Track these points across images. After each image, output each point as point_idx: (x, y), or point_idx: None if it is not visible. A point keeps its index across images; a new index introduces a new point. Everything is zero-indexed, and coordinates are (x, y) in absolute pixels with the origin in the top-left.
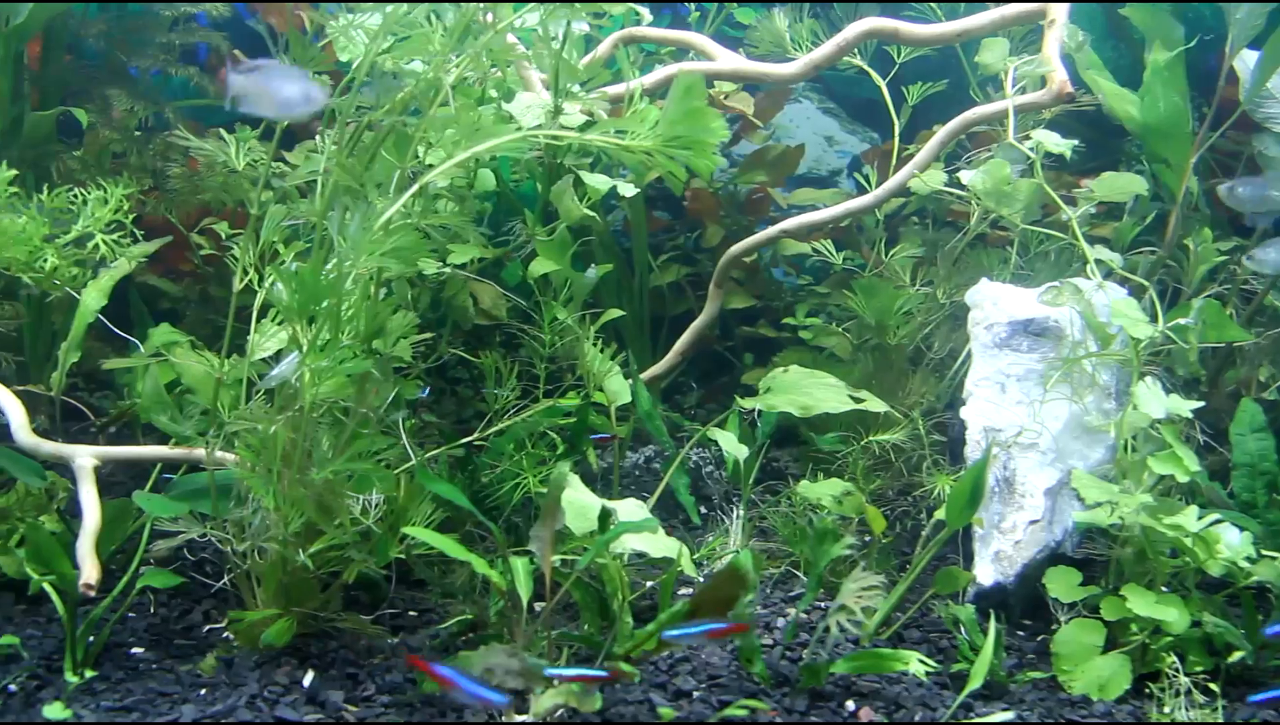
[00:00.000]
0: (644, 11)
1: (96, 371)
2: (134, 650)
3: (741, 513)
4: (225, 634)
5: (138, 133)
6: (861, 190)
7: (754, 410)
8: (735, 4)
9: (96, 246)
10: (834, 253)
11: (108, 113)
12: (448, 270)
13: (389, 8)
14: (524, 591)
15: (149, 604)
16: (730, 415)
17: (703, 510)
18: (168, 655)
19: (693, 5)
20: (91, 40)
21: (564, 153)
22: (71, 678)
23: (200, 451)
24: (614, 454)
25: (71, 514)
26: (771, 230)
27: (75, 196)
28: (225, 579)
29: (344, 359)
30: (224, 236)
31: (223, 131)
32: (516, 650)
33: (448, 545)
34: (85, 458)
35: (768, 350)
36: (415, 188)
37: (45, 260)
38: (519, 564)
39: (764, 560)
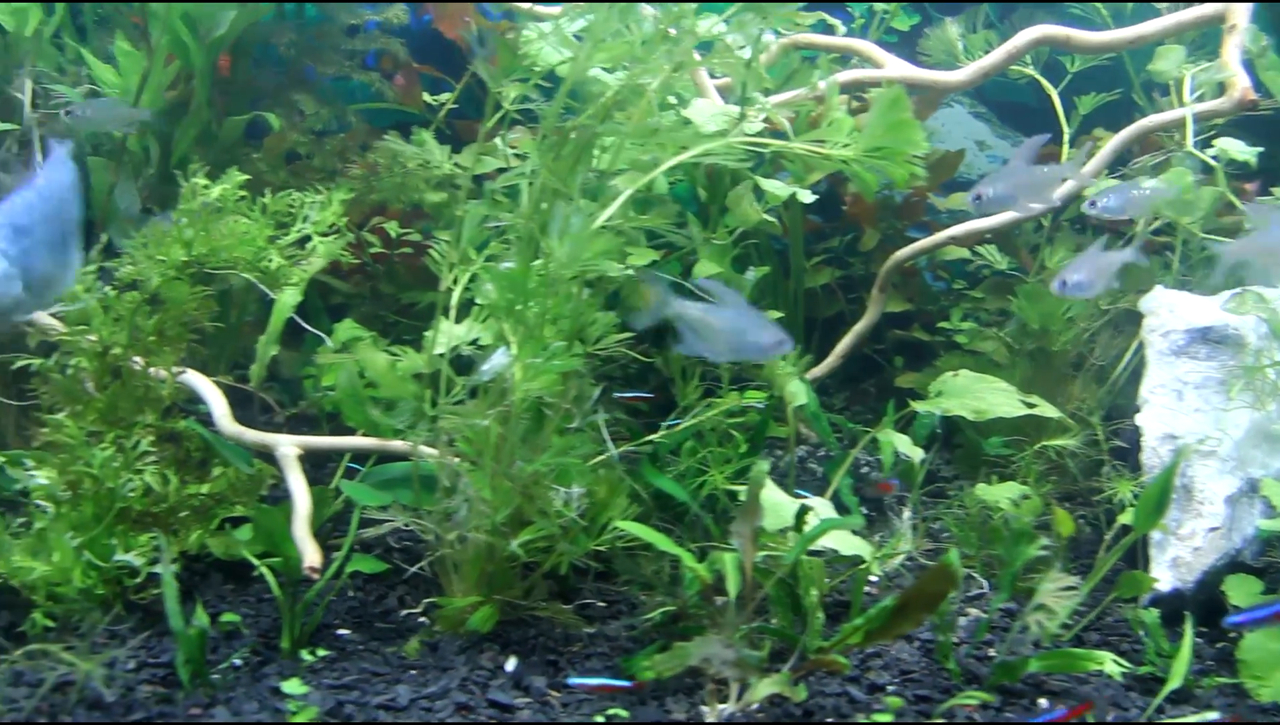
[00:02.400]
0: (837, 22)
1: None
2: (340, 632)
3: (909, 514)
4: (421, 619)
5: (321, 136)
6: None
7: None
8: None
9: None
10: (998, 257)
11: (294, 117)
12: (629, 271)
13: (590, 15)
14: (732, 586)
15: (346, 588)
16: (903, 418)
17: (865, 510)
18: (371, 637)
19: (856, 11)
20: (281, 49)
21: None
22: (307, 656)
23: (397, 443)
24: (790, 453)
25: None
26: (940, 236)
27: (294, 201)
28: (419, 566)
29: (554, 356)
30: (394, 235)
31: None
32: (731, 641)
33: (657, 538)
34: (289, 447)
35: (919, 354)
36: (629, 192)
37: (270, 260)
38: (729, 559)
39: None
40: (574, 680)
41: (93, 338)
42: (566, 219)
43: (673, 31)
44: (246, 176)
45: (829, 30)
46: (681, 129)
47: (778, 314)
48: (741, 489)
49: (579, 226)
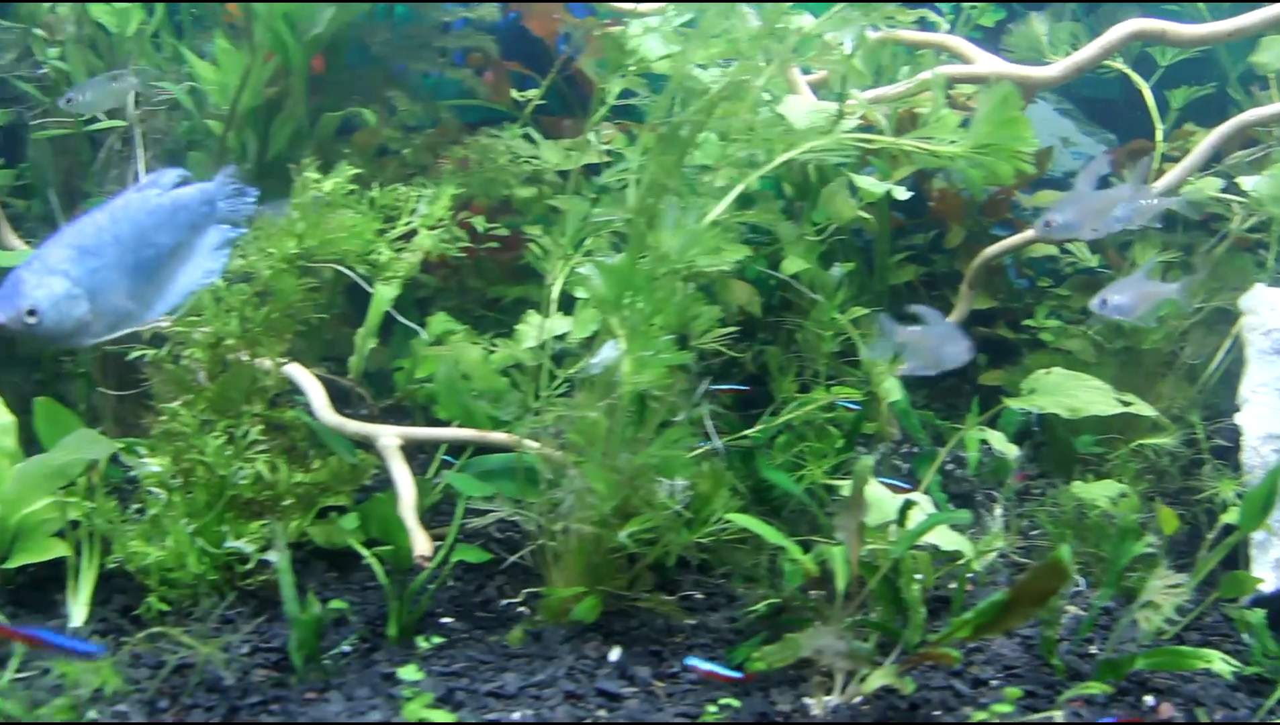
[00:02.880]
0: (940, 19)
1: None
2: (444, 620)
3: (1002, 511)
4: (521, 609)
5: (411, 131)
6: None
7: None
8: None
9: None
10: (1087, 255)
11: (387, 113)
12: (726, 267)
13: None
14: (840, 579)
15: (447, 577)
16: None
17: (951, 507)
18: (475, 626)
19: (944, 8)
20: (374, 47)
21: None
22: (421, 643)
23: (497, 435)
24: (884, 444)
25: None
26: (1030, 233)
27: (400, 195)
28: (519, 556)
29: (662, 349)
30: (481, 230)
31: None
32: (843, 633)
33: (766, 531)
34: (390, 437)
35: (1002, 352)
36: (740, 188)
37: (380, 253)
38: (838, 552)
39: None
40: (690, 661)
41: (206, 329)
42: (676, 214)
43: (776, 27)
44: (357, 170)
45: (928, 27)
46: (782, 127)
47: (863, 311)
48: (839, 483)
49: (691, 222)
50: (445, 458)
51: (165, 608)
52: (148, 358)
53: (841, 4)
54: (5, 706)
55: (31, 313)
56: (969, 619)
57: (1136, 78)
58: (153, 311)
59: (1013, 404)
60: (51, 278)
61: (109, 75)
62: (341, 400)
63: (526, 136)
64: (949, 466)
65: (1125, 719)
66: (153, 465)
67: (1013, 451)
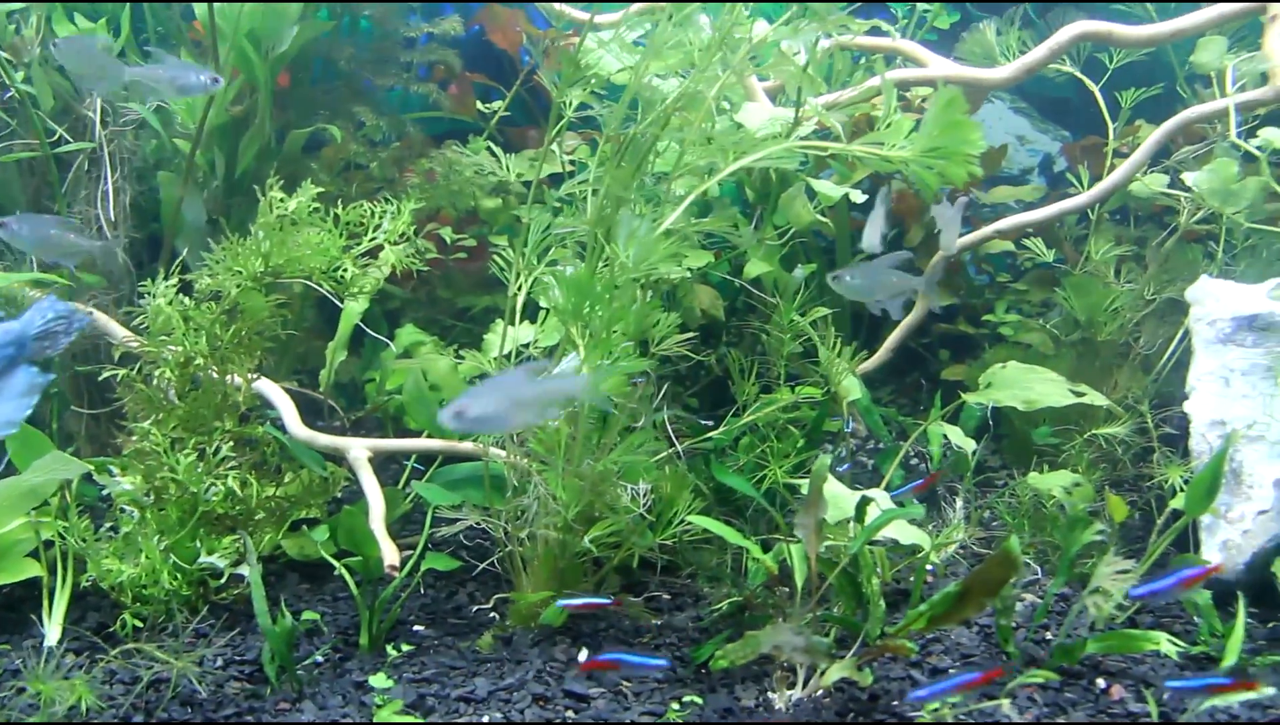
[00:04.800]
0: (890, 27)
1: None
2: (416, 628)
3: (961, 503)
4: (492, 614)
5: (377, 146)
6: (1055, 187)
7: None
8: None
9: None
10: (1044, 250)
11: (353, 128)
12: (688, 273)
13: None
14: (799, 576)
15: (418, 586)
16: (950, 410)
17: (914, 499)
18: (446, 633)
19: (898, 11)
20: (340, 63)
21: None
22: (391, 651)
23: (465, 445)
24: (844, 445)
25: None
26: (986, 230)
27: (364, 211)
28: (488, 563)
29: (621, 358)
30: (449, 241)
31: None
32: (801, 629)
33: (726, 532)
34: (360, 450)
35: (964, 347)
36: (693, 196)
37: (345, 269)
38: (796, 550)
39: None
40: (562, 602)
41: (175, 348)
42: (631, 224)
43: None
44: (320, 190)
45: (879, 33)
46: (737, 134)
47: (825, 311)
48: (800, 483)
49: (645, 231)
50: (415, 467)
51: (139, 624)
52: (119, 377)
53: (794, 11)
54: None
55: None
56: (924, 611)
57: (1084, 79)
58: None
59: (970, 398)
60: None
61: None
62: (313, 413)
63: (491, 148)
64: (913, 461)
65: None
66: (125, 483)
67: (970, 445)
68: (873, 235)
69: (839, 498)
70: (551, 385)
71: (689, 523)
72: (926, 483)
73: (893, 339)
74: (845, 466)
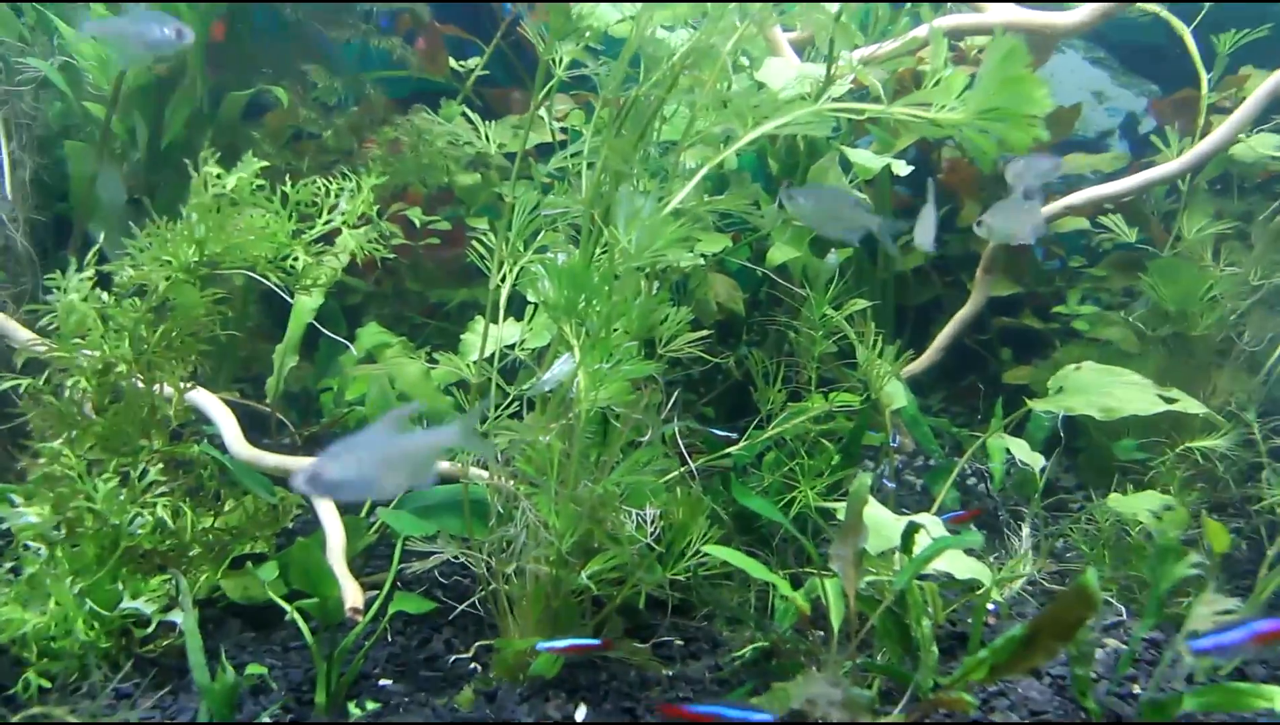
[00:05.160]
0: None
1: (264, 376)
2: (382, 682)
3: (1029, 530)
4: (472, 665)
5: (332, 111)
6: (1139, 153)
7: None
8: None
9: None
10: (1123, 229)
11: (302, 90)
12: (701, 261)
13: None
14: (835, 617)
15: (385, 631)
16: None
17: (972, 527)
18: (418, 688)
19: None
20: (289, 12)
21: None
22: (354, 710)
23: (441, 465)
24: (887, 462)
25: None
26: (1055, 206)
27: (319, 189)
28: (468, 604)
29: (623, 361)
30: (418, 224)
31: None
32: (839, 680)
33: (748, 564)
34: None
35: (1030, 344)
36: (704, 171)
37: (295, 258)
38: (831, 586)
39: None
40: (543, 645)
41: (92, 354)
42: (633, 203)
43: None
44: (264, 164)
45: None
46: (757, 96)
47: (865, 302)
48: (835, 506)
49: (648, 211)
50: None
51: (46, 684)
52: (23, 388)
53: None
54: None
55: None
56: (984, 658)
57: (1175, 20)
58: None
59: (1036, 406)
60: None
61: None
62: (259, 429)
63: (467, 114)
64: (969, 480)
65: None
66: (30, 515)
67: (1037, 462)
68: (924, 233)
69: (882, 524)
70: (421, 440)
71: (705, 554)
72: (967, 516)
73: (944, 336)
74: (891, 485)
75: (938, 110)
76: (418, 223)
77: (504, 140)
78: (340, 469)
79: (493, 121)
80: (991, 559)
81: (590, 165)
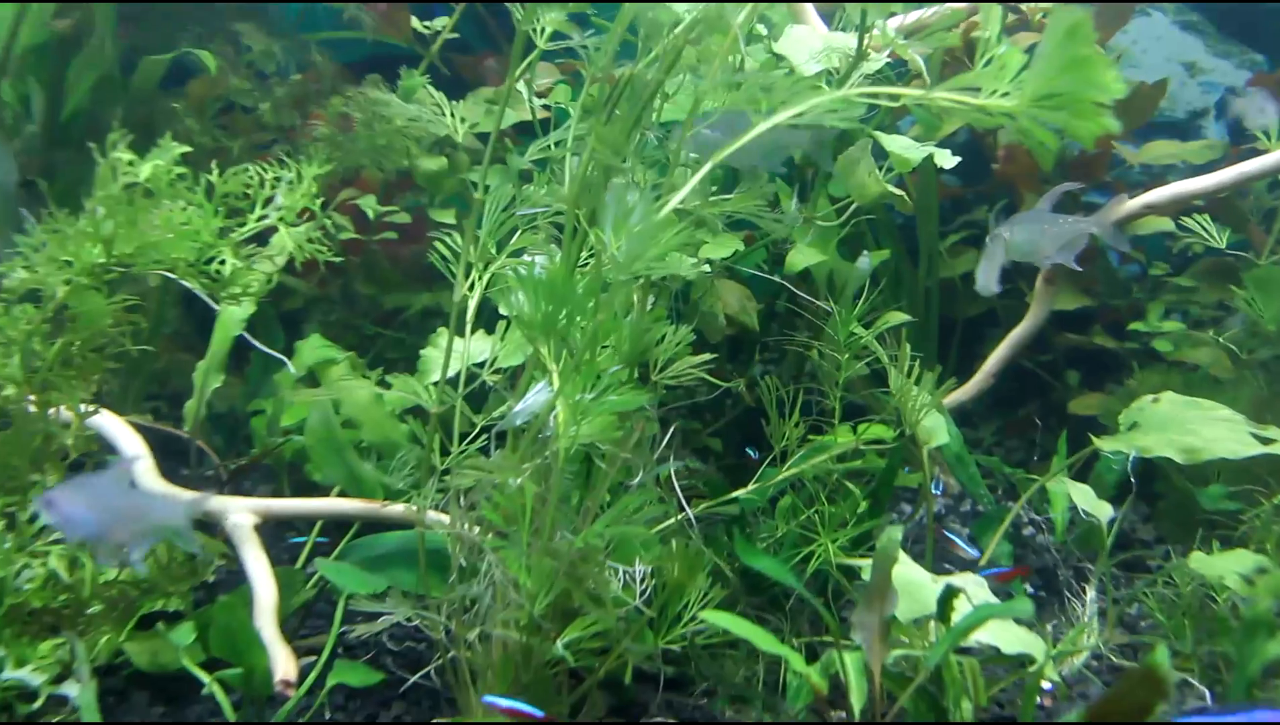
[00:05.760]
0: None
1: (183, 393)
2: None
3: (1095, 593)
4: None
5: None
6: (1238, 140)
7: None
8: None
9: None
10: (1213, 232)
11: (236, 54)
12: (706, 268)
13: None
14: (857, 697)
15: (322, 707)
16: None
17: (1028, 588)
18: None
19: None
20: None
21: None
22: None
23: (392, 508)
24: (926, 509)
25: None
26: (1132, 203)
27: (253, 177)
28: (423, 675)
29: (609, 389)
30: (372, 216)
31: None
32: None
33: (753, 633)
34: (243, 513)
35: (1102, 368)
36: (709, 166)
37: (221, 261)
38: (853, 660)
39: None
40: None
41: None
42: (623, 203)
43: None
44: (185, 149)
45: None
46: (775, 74)
47: (904, 316)
48: (863, 563)
49: (645, 212)
50: (319, 539)
51: None
52: None
53: None
54: None
55: None
56: None
57: None
58: None
59: (1104, 445)
60: None
61: None
62: (177, 459)
63: (430, 89)
64: (1026, 531)
65: None
66: None
67: (1105, 512)
68: (988, 276)
69: (915, 586)
70: (140, 501)
71: (703, 620)
72: (1013, 574)
73: (996, 358)
74: (967, 546)
75: (988, 95)
76: (371, 214)
77: (476, 118)
78: (70, 503)
79: (459, 101)
80: (1049, 628)
81: (576, 154)
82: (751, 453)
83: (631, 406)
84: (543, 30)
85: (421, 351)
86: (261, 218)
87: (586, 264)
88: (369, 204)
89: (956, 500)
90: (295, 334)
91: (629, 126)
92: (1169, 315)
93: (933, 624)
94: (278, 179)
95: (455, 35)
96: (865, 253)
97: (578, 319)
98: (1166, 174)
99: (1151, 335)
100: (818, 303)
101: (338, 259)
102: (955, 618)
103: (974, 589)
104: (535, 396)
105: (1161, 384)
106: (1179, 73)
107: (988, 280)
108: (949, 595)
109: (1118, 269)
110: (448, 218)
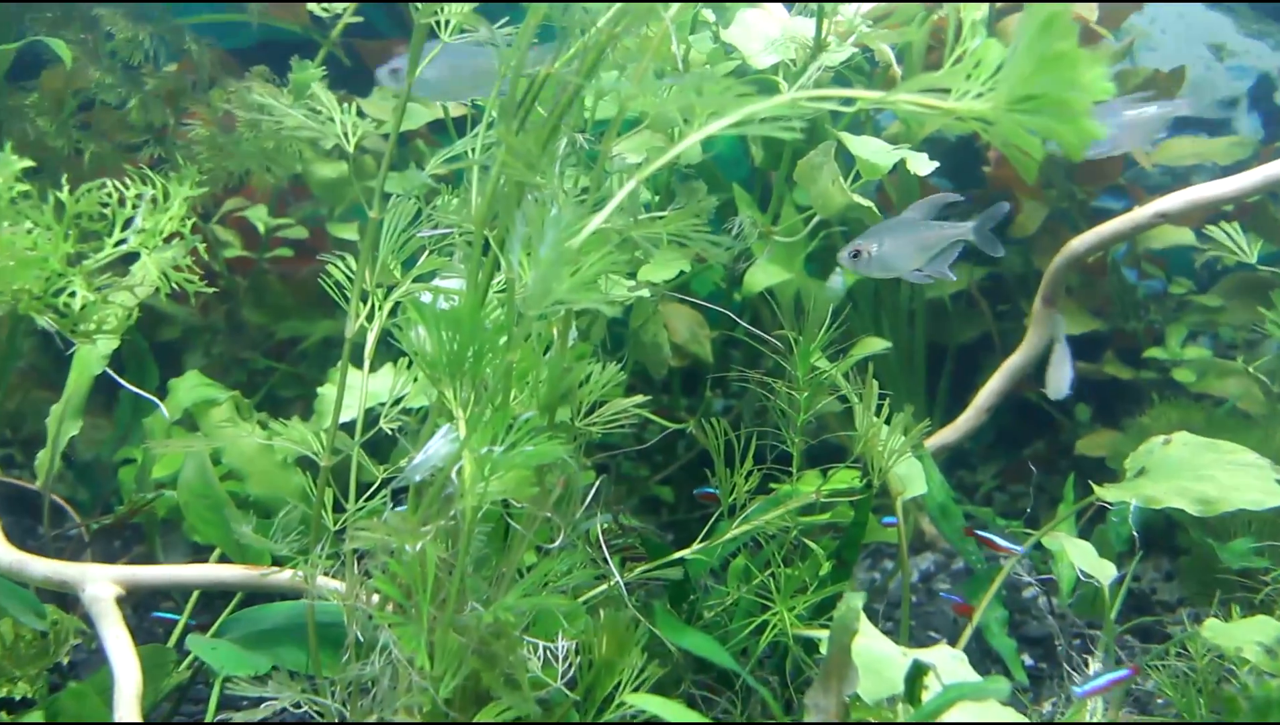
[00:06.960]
0: None
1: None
2: None
3: (1099, 665)
4: None
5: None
6: (1274, 135)
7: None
8: None
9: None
10: (1242, 244)
11: (97, 42)
12: (645, 293)
13: None
14: None
15: None
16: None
17: (1027, 660)
18: None
19: None
20: None
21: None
22: None
23: (280, 575)
24: (902, 570)
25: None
26: (1142, 212)
27: (109, 195)
28: None
29: (524, 438)
30: (262, 231)
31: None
32: None
33: (689, 719)
34: (103, 584)
35: (1116, 400)
36: (632, 184)
37: (71, 293)
38: None
39: None
40: None
41: None
42: (538, 223)
43: None
44: (29, 164)
45: None
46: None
47: (882, 343)
48: (821, 634)
49: (557, 237)
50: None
51: None
52: None
53: None
54: None
55: None
56: None
57: None
58: None
59: (1107, 496)
60: None
61: None
62: (29, 517)
63: (335, 76)
64: (1027, 591)
65: None
66: None
67: (1108, 574)
68: (1057, 381)
69: (881, 661)
70: None
71: (633, 705)
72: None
73: (989, 392)
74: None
75: (959, 98)
76: (262, 228)
77: (384, 115)
78: None
79: (363, 99)
80: (1047, 707)
81: (487, 166)
82: (710, 494)
83: (548, 458)
84: (447, 23)
85: (320, 390)
86: (120, 242)
87: (504, 291)
88: (258, 216)
89: (948, 557)
90: (173, 369)
91: (545, 135)
92: (1192, 340)
93: (900, 706)
94: (139, 196)
95: (359, 19)
96: (838, 270)
97: (487, 355)
98: (1191, 175)
99: (1171, 363)
100: (776, 331)
101: (210, 290)
102: (924, 697)
103: (947, 664)
104: (437, 446)
105: (1180, 420)
106: (1206, 56)
107: (1058, 383)
108: (917, 673)
109: (1134, 286)
110: (350, 233)
